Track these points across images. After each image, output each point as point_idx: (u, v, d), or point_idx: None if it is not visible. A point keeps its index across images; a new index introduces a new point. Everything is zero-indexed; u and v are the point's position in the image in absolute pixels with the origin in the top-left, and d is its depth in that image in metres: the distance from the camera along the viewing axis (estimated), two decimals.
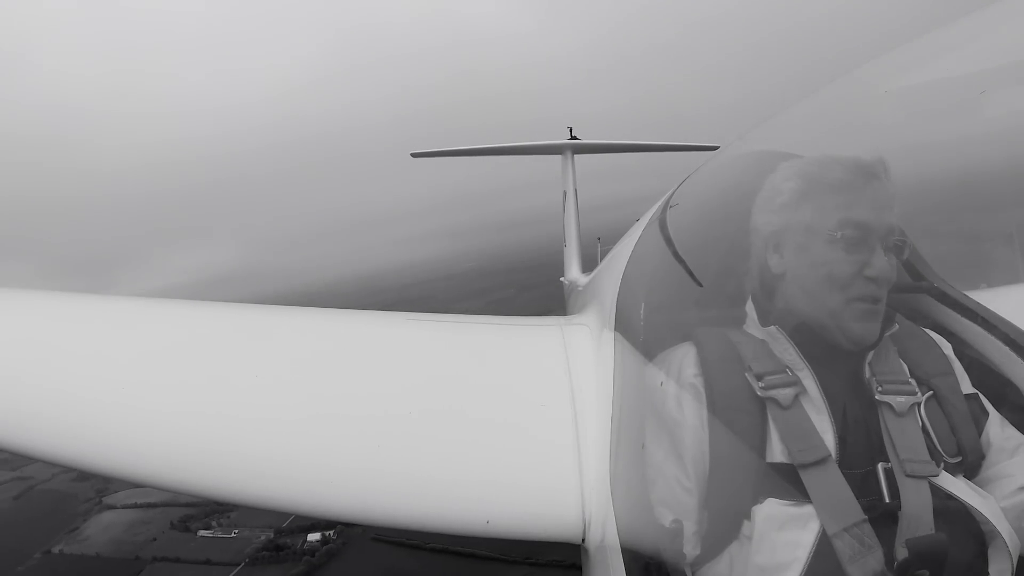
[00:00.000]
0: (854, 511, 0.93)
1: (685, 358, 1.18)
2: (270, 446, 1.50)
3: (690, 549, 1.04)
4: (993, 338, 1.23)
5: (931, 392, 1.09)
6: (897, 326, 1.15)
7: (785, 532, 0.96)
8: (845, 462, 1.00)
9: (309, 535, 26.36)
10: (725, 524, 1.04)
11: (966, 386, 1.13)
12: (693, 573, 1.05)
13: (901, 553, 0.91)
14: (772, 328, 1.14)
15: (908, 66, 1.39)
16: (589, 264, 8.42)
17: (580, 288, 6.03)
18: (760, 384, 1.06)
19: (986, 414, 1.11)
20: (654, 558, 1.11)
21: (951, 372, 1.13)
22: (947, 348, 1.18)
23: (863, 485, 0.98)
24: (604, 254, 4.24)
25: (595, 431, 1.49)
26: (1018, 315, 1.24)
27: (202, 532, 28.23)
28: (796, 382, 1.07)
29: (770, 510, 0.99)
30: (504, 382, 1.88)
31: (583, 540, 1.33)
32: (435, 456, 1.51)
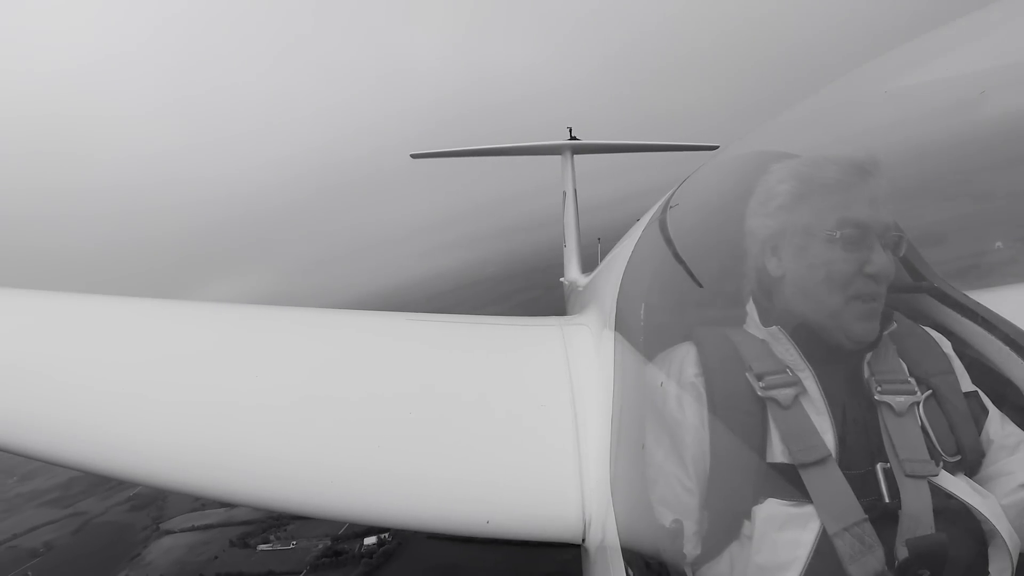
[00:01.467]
0: (854, 511, 0.93)
1: (685, 358, 1.18)
2: (270, 446, 1.50)
3: (690, 549, 1.04)
4: (993, 338, 1.23)
5: (930, 391, 1.09)
6: (896, 325, 1.15)
7: (785, 532, 0.96)
8: (845, 462, 1.00)
9: (365, 539, 27.23)
10: (725, 524, 1.04)
11: (966, 384, 1.13)
12: (693, 573, 1.05)
13: (901, 553, 0.91)
14: (774, 328, 1.14)
15: (908, 66, 1.39)
16: (589, 264, 8.42)
17: (580, 288, 6.03)
18: (760, 384, 1.06)
19: (986, 412, 1.11)
20: (654, 558, 1.11)
21: (950, 371, 1.13)
22: (946, 346, 1.18)
23: (863, 485, 0.98)
24: (604, 254, 4.24)
25: (595, 431, 1.49)
26: (1018, 315, 1.24)
27: (261, 546, 29.32)
28: (796, 382, 1.07)
29: (770, 510, 0.99)
30: (504, 382, 1.88)
31: (583, 540, 1.33)
32: (435, 456, 1.51)
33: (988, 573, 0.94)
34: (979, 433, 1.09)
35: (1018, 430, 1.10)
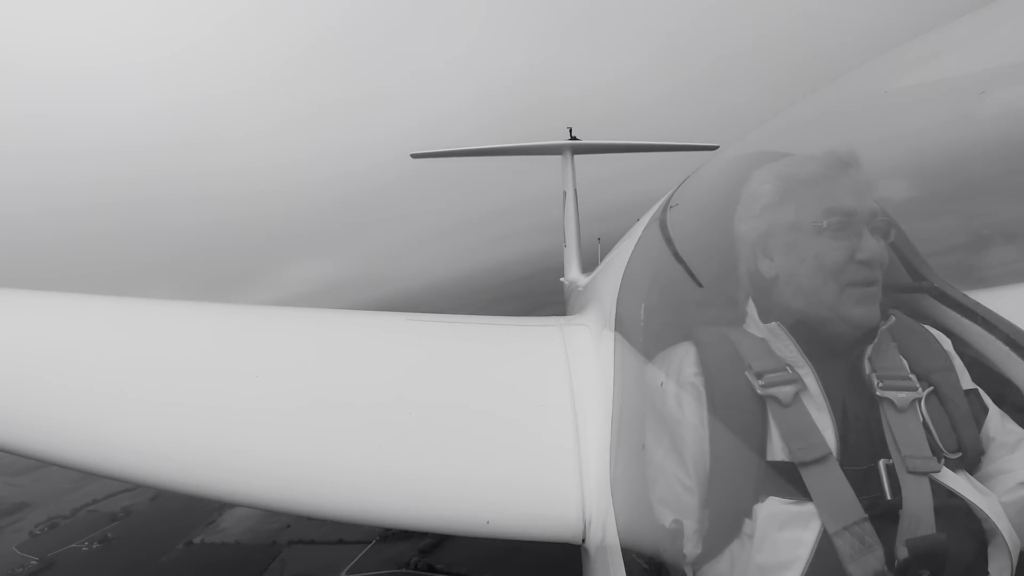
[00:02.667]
0: (855, 509, 0.93)
1: (685, 357, 1.18)
2: (270, 447, 1.50)
3: (691, 549, 1.04)
4: (993, 338, 1.23)
5: (931, 388, 1.09)
6: (894, 319, 1.15)
7: (786, 531, 0.96)
8: (846, 459, 1.00)
9: None
10: (726, 523, 1.04)
11: (966, 381, 1.13)
12: (694, 573, 1.05)
13: (902, 552, 0.91)
14: (773, 325, 1.14)
15: (908, 66, 1.39)
16: (589, 264, 8.42)
17: (580, 288, 6.03)
18: (760, 382, 1.06)
19: (986, 410, 1.11)
20: (654, 558, 1.11)
21: (951, 368, 1.13)
22: (947, 343, 1.18)
23: (864, 482, 0.98)
24: (604, 254, 4.24)
25: (595, 431, 1.49)
26: (1018, 315, 1.24)
27: None
28: (796, 380, 1.07)
29: (771, 509, 0.99)
30: (504, 382, 1.88)
31: (583, 540, 1.33)
32: (435, 456, 1.51)
33: (988, 572, 0.94)
34: (979, 430, 1.09)
35: (1018, 428, 1.10)
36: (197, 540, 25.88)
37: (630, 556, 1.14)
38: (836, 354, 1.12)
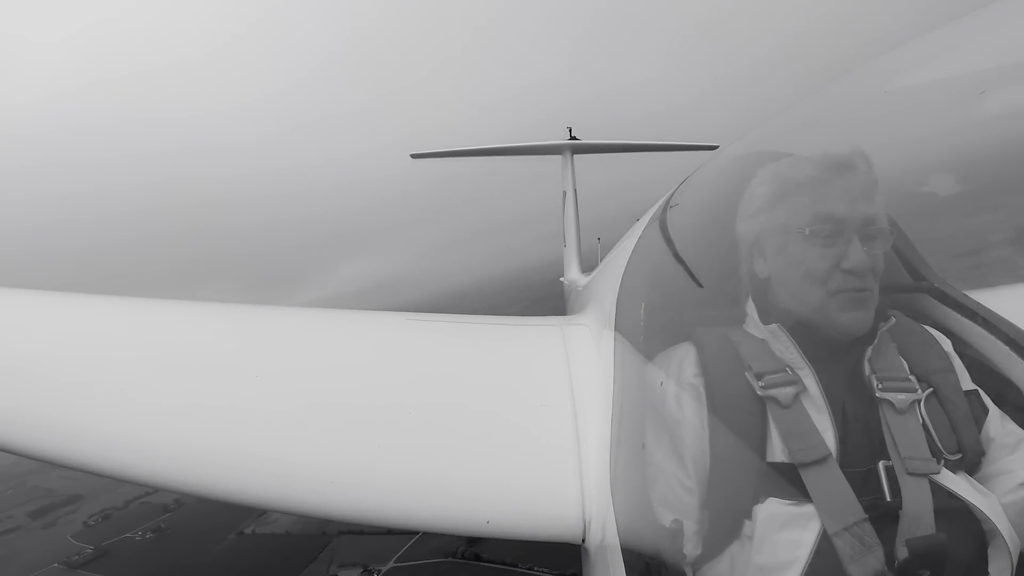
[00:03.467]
0: (855, 510, 0.93)
1: (685, 358, 1.18)
2: (270, 446, 1.49)
3: (690, 549, 1.04)
4: (993, 338, 1.23)
5: (931, 389, 1.08)
6: (894, 320, 1.15)
7: (786, 531, 0.96)
8: (846, 460, 1.00)
9: None
10: (726, 524, 1.04)
11: (966, 383, 1.13)
12: (694, 573, 1.05)
13: (902, 553, 0.91)
14: (773, 327, 1.14)
15: (908, 66, 1.39)
16: (589, 264, 8.42)
17: (580, 288, 6.03)
18: (760, 383, 1.06)
19: (986, 411, 1.11)
20: (654, 558, 1.11)
21: (951, 369, 1.13)
22: (947, 344, 1.18)
23: (864, 483, 0.98)
24: (604, 254, 4.24)
25: (595, 431, 1.49)
26: (1018, 315, 1.24)
27: None
28: (796, 381, 1.07)
29: (771, 509, 0.99)
30: (504, 382, 1.88)
31: (583, 540, 1.33)
32: (435, 456, 1.51)
33: (988, 573, 0.94)
34: (979, 431, 1.09)
35: (1018, 428, 1.10)
36: (248, 530, 26.38)
37: (630, 556, 1.14)
38: (835, 355, 1.12)
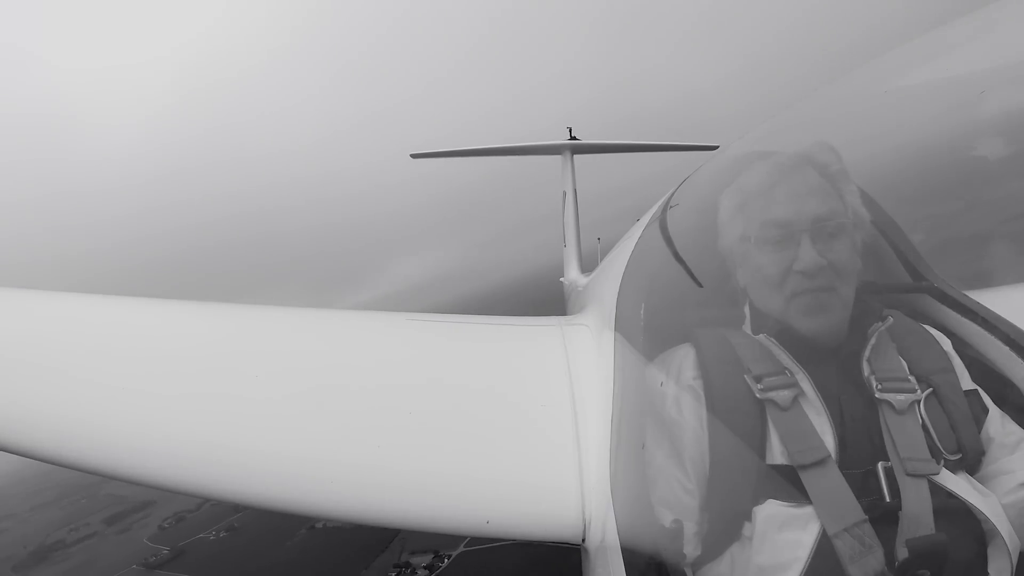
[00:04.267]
0: (855, 511, 0.93)
1: (684, 360, 1.18)
2: (270, 446, 1.49)
3: (690, 550, 1.04)
4: (993, 338, 1.23)
5: (931, 389, 1.08)
6: (891, 320, 1.15)
7: (786, 532, 0.96)
8: (845, 462, 1.00)
9: None
10: (726, 525, 1.04)
11: (966, 382, 1.13)
12: (694, 573, 1.05)
13: (902, 553, 0.91)
14: (762, 336, 1.15)
15: (908, 66, 1.39)
16: (589, 264, 8.42)
17: (580, 288, 6.03)
18: (759, 386, 1.06)
19: (986, 411, 1.11)
20: (654, 558, 1.11)
21: (950, 369, 1.13)
22: (946, 344, 1.18)
23: (864, 485, 0.98)
24: (604, 254, 4.24)
25: (595, 431, 1.49)
26: (1018, 315, 1.24)
27: None
28: (795, 383, 1.07)
29: (771, 511, 0.99)
30: (504, 382, 1.88)
31: (583, 540, 1.33)
32: (435, 456, 1.51)
33: (988, 573, 0.93)
34: (979, 431, 1.08)
35: (1019, 428, 1.10)
36: (319, 525, 27.11)
37: (630, 556, 1.14)
38: (830, 357, 1.12)
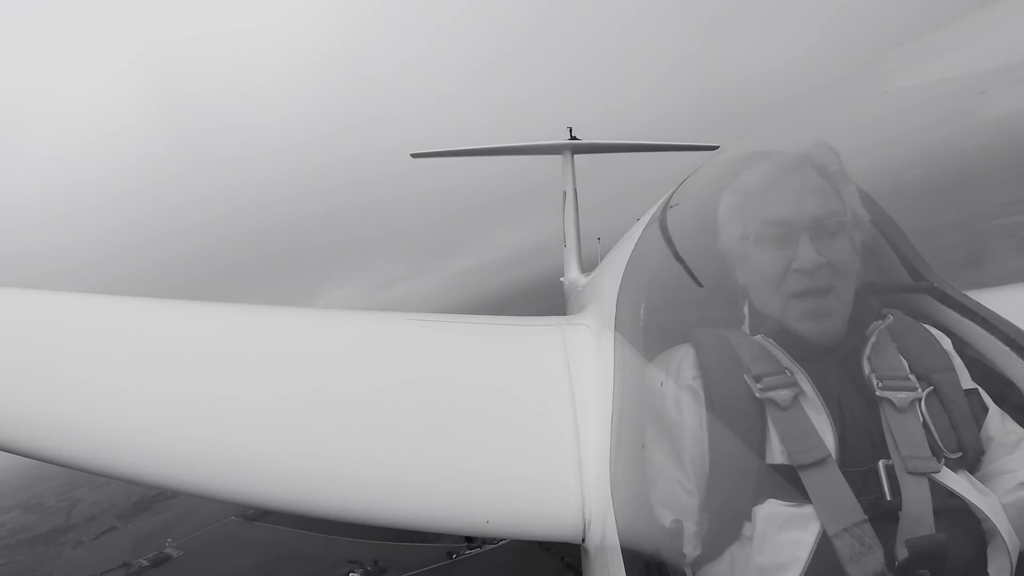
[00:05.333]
0: (855, 511, 0.93)
1: (684, 360, 1.18)
2: (270, 446, 1.49)
3: (690, 549, 1.04)
4: (993, 338, 1.23)
5: (931, 387, 1.08)
6: (891, 318, 1.15)
7: (786, 532, 0.96)
8: (846, 461, 1.00)
9: None
10: (725, 525, 1.04)
11: (966, 381, 1.13)
12: (693, 573, 1.05)
13: (902, 553, 0.91)
14: (759, 337, 1.15)
15: (908, 66, 1.39)
16: (589, 264, 8.42)
17: (580, 288, 6.03)
18: (759, 386, 1.06)
19: (986, 410, 1.11)
20: (654, 558, 1.11)
21: (951, 368, 1.13)
22: (946, 343, 1.18)
23: (864, 483, 0.98)
24: (604, 254, 4.24)
25: (595, 431, 1.48)
26: (1018, 315, 1.24)
27: None
28: (795, 383, 1.07)
29: (771, 510, 0.99)
30: (504, 382, 1.88)
31: (583, 540, 1.33)
32: (435, 455, 1.51)
33: (987, 572, 0.93)
34: (979, 430, 1.08)
35: (1018, 428, 1.09)
36: None
37: (630, 556, 1.14)
38: (829, 356, 1.12)
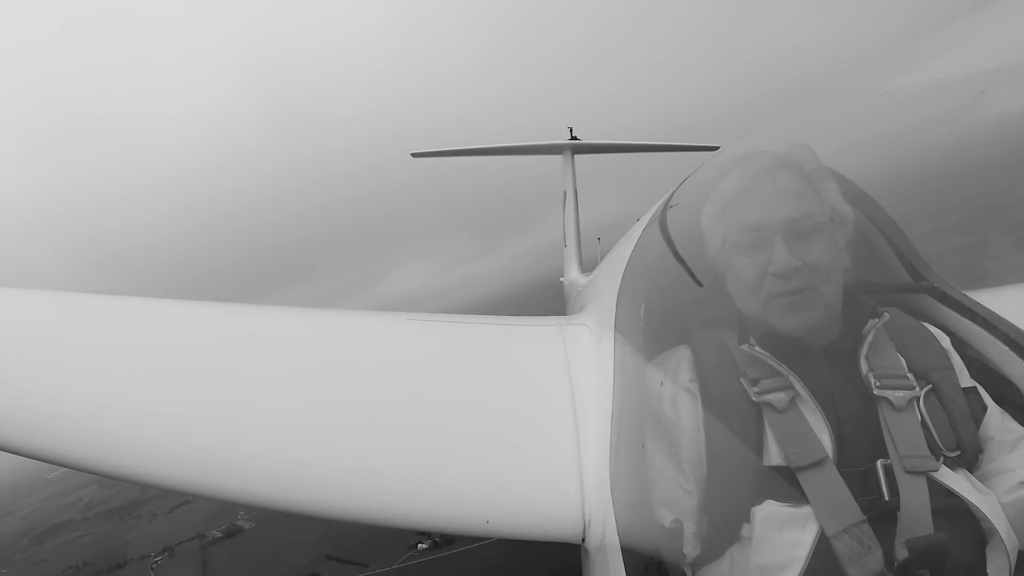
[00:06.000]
0: (853, 511, 0.93)
1: (681, 363, 1.18)
2: (270, 446, 1.49)
3: (690, 550, 1.04)
4: (992, 338, 1.23)
5: (930, 386, 1.08)
6: (887, 316, 1.15)
7: (785, 532, 0.96)
8: (844, 461, 1.00)
9: None
10: (725, 525, 1.04)
11: (964, 379, 1.12)
12: (693, 573, 1.05)
13: (901, 553, 0.91)
14: (749, 339, 1.15)
15: (908, 66, 1.39)
16: (589, 264, 8.42)
17: (580, 288, 6.03)
18: (755, 389, 1.06)
19: (985, 408, 1.10)
20: (654, 558, 1.11)
21: (949, 366, 1.12)
22: (944, 341, 1.18)
23: (862, 483, 0.98)
24: (604, 254, 4.24)
25: (595, 431, 1.49)
26: (1018, 315, 1.24)
27: None
28: (790, 385, 1.07)
29: (770, 511, 0.99)
30: (504, 382, 1.88)
31: (583, 540, 1.33)
32: (435, 455, 1.51)
33: (987, 572, 0.93)
34: (978, 429, 1.08)
35: (1018, 426, 1.09)
36: None
37: (630, 556, 1.14)
38: (825, 356, 1.11)
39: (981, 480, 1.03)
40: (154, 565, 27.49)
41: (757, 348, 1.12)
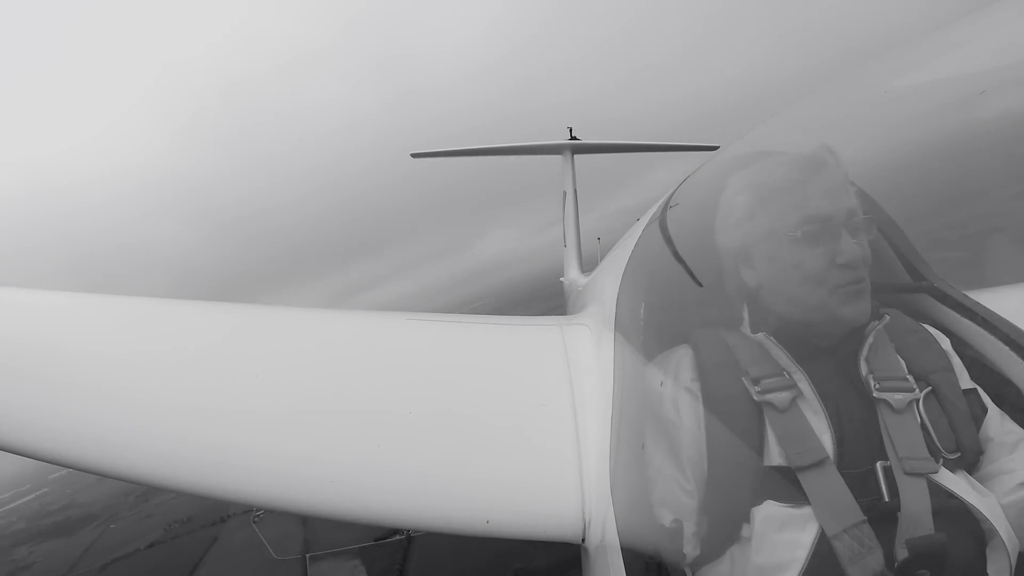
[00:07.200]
0: (853, 512, 0.93)
1: (682, 362, 1.18)
2: (270, 445, 1.49)
3: (690, 550, 1.04)
4: (992, 338, 1.23)
5: (929, 388, 1.08)
6: (888, 318, 1.15)
7: (784, 533, 0.96)
8: (844, 462, 1.00)
9: None
10: (725, 525, 1.04)
11: (964, 381, 1.13)
12: (693, 573, 1.05)
13: (901, 553, 0.91)
14: (761, 336, 1.15)
15: (908, 66, 1.39)
16: (589, 264, 8.42)
17: (580, 288, 6.03)
18: (756, 388, 1.06)
19: (985, 410, 1.11)
20: (654, 558, 1.11)
21: (949, 368, 1.12)
22: (945, 343, 1.18)
23: (862, 485, 0.98)
24: (604, 254, 4.24)
25: (595, 431, 1.49)
26: (1018, 315, 1.24)
27: None
28: (792, 385, 1.07)
29: (770, 511, 0.99)
30: (504, 382, 1.88)
31: (583, 540, 1.33)
32: (435, 455, 1.51)
33: (987, 573, 0.93)
34: (978, 430, 1.08)
35: (1018, 428, 1.09)
36: None
37: (630, 556, 1.14)
38: (830, 357, 1.12)
39: (981, 482, 1.03)
40: (256, 519, 28.33)
41: (772, 339, 1.12)
